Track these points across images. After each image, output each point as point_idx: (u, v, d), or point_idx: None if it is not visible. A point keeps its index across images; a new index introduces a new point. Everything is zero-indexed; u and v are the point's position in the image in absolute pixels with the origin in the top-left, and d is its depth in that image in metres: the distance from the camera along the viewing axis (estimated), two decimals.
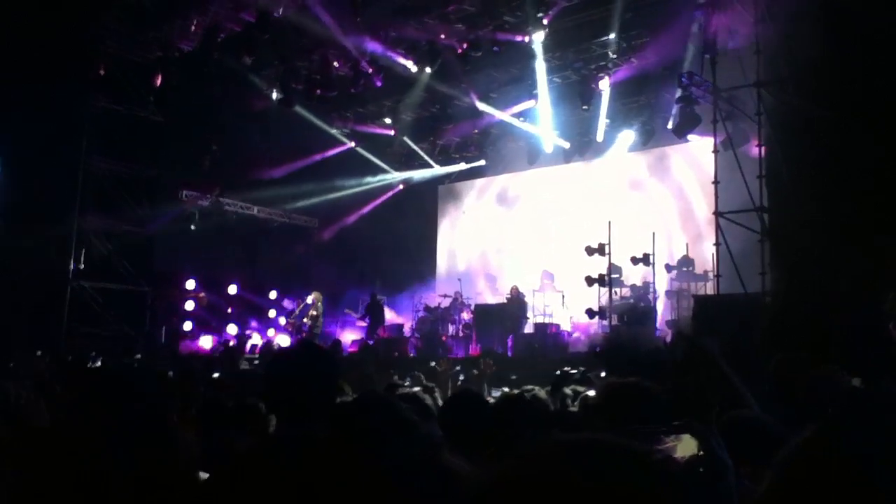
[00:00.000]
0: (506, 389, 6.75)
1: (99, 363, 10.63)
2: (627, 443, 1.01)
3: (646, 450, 1.06)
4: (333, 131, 19.72)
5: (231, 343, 16.93)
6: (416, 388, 4.67)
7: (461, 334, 15.92)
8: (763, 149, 10.52)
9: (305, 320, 17.99)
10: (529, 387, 4.38)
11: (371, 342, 15.99)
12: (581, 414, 3.52)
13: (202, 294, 18.66)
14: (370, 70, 15.98)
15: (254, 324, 19.21)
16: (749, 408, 2.92)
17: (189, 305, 18.09)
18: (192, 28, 16.45)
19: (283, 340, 17.78)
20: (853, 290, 7.83)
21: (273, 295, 19.73)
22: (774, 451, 1.29)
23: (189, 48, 16.75)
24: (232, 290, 19.10)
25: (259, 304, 19.56)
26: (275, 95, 17.75)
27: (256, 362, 15.24)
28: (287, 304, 19.28)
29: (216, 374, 9.23)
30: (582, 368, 6.02)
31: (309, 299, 18.04)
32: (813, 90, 10.23)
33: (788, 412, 3.71)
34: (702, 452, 1.68)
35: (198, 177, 18.30)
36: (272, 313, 19.62)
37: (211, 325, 18.48)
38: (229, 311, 18.99)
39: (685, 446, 1.98)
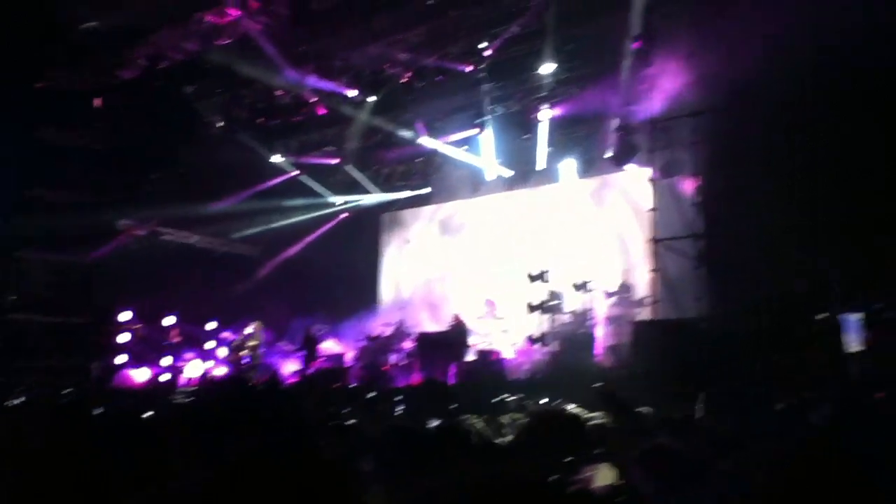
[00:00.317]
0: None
1: (21, 400, 10.17)
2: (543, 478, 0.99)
3: (561, 483, 1.04)
4: (276, 159, 19.53)
5: (165, 377, 16.48)
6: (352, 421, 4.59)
7: (403, 363, 15.77)
8: (698, 176, 10.80)
9: (246, 352, 17.63)
10: (466, 416, 4.34)
11: (309, 373, 15.73)
12: (513, 444, 3.49)
13: (138, 325, 18.16)
14: (313, 99, 15.94)
15: (191, 356, 18.72)
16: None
17: (124, 337, 17.56)
18: (134, 56, 16.18)
19: (221, 372, 17.35)
20: (787, 314, 8.05)
21: (212, 326, 19.29)
22: (696, 480, 1.28)
23: (131, 76, 16.46)
24: (169, 321, 18.61)
25: (197, 336, 19.10)
26: (218, 123, 17.54)
27: (192, 398, 14.82)
28: (227, 335, 18.88)
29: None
30: (521, 395, 6.02)
31: (249, 330, 17.70)
32: (746, 119, 10.60)
33: (720, 438, 3.77)
34: (622, 482, 1.68)
35: (136, 205, 17.90)
36: (211, 344, 19.16)
37: (146, 357, 17.95)
38: (166, 342, 18.49)
39: (604, 476, 1.98)
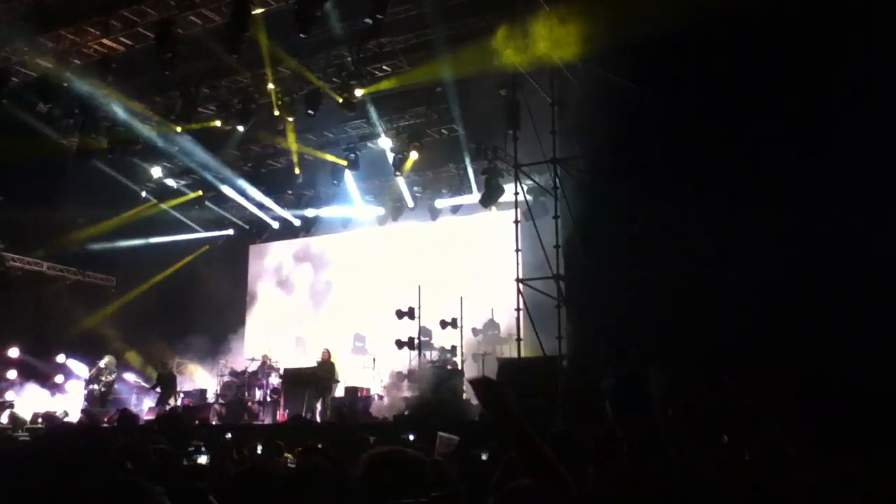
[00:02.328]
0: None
1: None
2: None
3: None
4: (136, 188, 18.76)
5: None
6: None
7: (268, 399, 15.39)
8: (559, 220, 11.28)
9: (98, 386, 16.67)
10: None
11: (167, 410, 15.04)
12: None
13: None
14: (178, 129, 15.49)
15: (34, 389, 17.47)
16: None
17: None
18: None
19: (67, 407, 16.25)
20: (628, 352, 8.52)
21: (61, 358, 18.12)
22: None
23: None
24: (13, 353, 17.36)
25: (42, 370, 17.87)
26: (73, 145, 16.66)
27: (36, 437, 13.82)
28: (78, 368, 17.77)
29: None
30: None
31: (102, 363, 16.76)
32: (602, 167, 11.23)
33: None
34: None
35: None
36: (59, 378, 17.96)
37: None
38: (8, 376, 17.21)
39: None
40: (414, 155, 16.20)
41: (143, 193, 18.97)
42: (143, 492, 2.06)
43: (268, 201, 18.99)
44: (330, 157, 17.20)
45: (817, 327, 8.64)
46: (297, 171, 17.45)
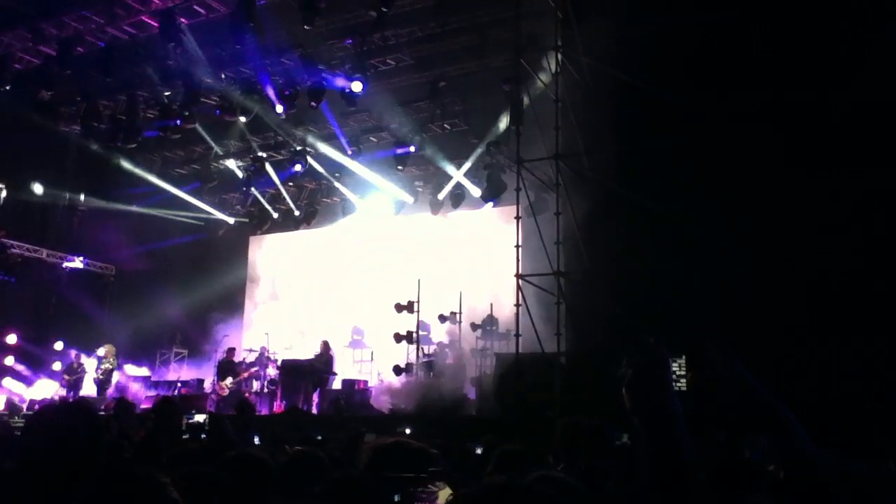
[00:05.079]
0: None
1: None
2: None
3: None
4: (139, 173, 18.71)
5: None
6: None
7: (266, 390, 15.40)
8: (560, 217, 11.25)
9: (98, 374, 16.67)
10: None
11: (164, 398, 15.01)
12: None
13: None
14: (180, 119, 15.43)
15: (28, 376, 17.46)
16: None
17: None
18: None
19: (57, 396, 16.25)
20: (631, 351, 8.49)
21: (59, 346, 18.10)
22: None
23: None
24: (11, 339, 17.36)
25: (41, 356, 17.86)
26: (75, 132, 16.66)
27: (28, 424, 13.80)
28: (77, 356, 17.75)
29: None
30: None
31: (101, 352, 16.74)
32: (604, 164, 11.19)
33: (575, 469, 3.97)
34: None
35: None
36: (57, 366, 17.95)
37: None
38: (6, 362, 17.20)
39: (445, 494, 2.15)
40: (416, 149, 16.17)
41: (149, 178, 18.88)
42: (151, 481, 2.04)
43: (269, 192, 18.97)
44: (332, 149, 17.17)
45: (824, 327, 8.62)
46: (295, 167, 17.41)
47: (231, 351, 16.22)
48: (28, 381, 17.36)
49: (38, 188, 17.49)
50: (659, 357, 1.74)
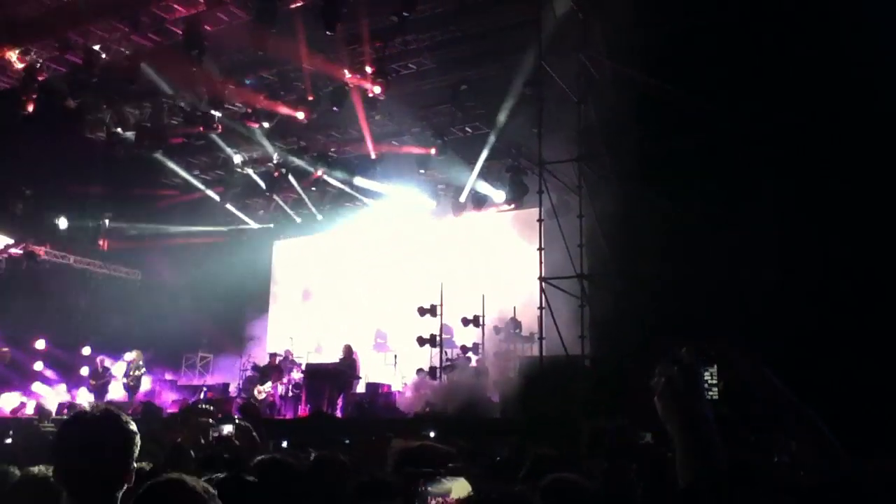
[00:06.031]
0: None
1: None
2: None
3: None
4: (164, 180, 18.93)
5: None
6: None
7: (290, 394, 15.48)
8: (583, 219, 11.21)
9: (127, 379, 16.90)
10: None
11: (190, 403, 15.17)
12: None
13: (5, 349, 17.12)
14: (203, 127, 15.59)
15: (56, 381, 17.72)
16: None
17: None
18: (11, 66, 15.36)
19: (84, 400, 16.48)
20: (655, 352, 8.43)
21: (87, 351, 18.34)
22: None
23: (6, 86, 15.62)
24: (40, 345, 17.61)
25: (69, 361, 18.11)
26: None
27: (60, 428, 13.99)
28: (105, 361, 17.98)
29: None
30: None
31: (128, 357, 16.95)
32: (626, 166, 11.14)
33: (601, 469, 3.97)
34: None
35: (9, 223, 16.95)
36: (85, 371, 18.19)
37: (13, 382, 16.88)
38: (35, 367, 17.48)
39: (460, 487, 2.16)
40: (437, 153, 16.19)
41: (171, 187, 19.10)
42: (193, 490, 2.07)
43: (292, 197, 19.09)
44: (353, 153, 17.25)
45: (853, 331, 8.50)
46: (318, 172, 17.49)
47: (273, 356, 16.33)
48: (57, 386, 17.62)
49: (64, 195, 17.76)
50: (691, 366, 1.75)
